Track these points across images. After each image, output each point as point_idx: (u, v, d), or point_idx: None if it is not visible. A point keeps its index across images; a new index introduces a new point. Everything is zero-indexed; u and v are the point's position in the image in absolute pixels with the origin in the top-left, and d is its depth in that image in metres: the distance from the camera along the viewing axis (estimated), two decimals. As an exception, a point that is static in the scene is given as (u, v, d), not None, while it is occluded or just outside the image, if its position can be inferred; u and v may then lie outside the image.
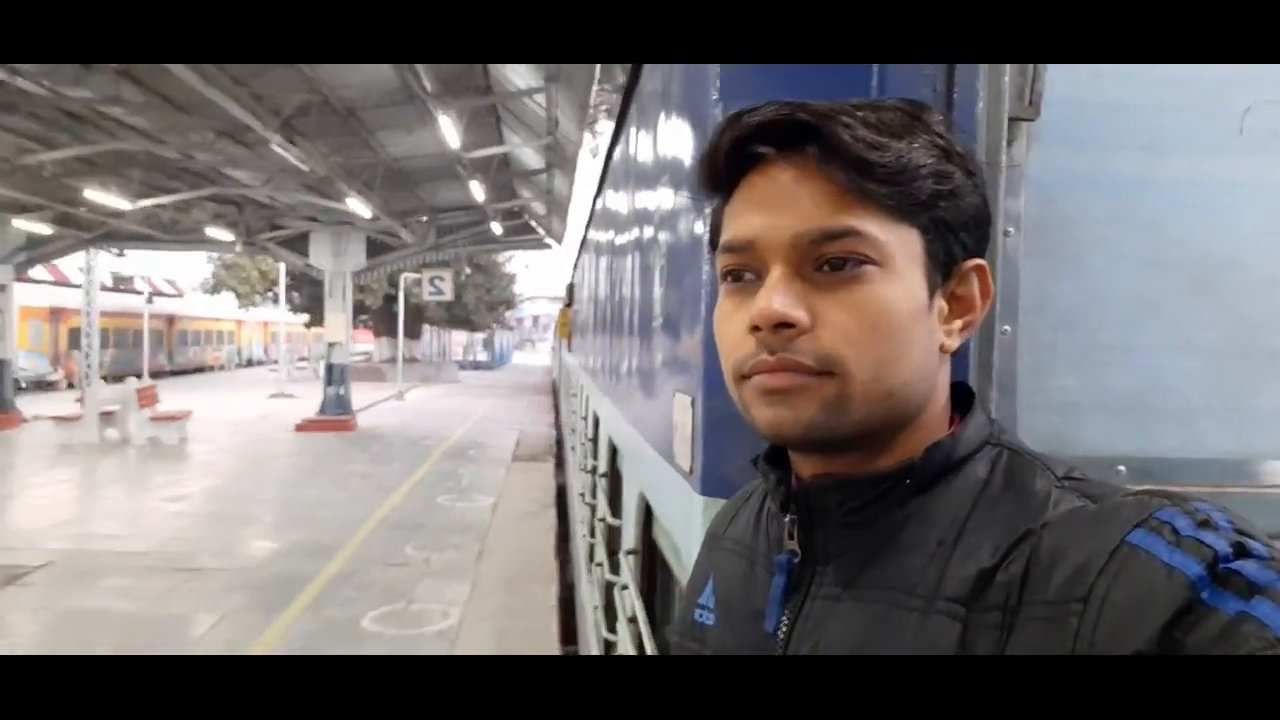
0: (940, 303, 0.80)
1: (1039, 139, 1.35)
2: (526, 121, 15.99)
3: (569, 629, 7.57)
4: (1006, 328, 1.31)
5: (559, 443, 15.34)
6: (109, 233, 21.80)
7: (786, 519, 0.84)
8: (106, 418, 18.38)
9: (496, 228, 23.16)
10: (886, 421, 0.78)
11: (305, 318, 42.14)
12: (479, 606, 8.39)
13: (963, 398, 0.86)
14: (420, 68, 11.87)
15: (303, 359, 49.59)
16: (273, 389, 31.91)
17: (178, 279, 41.30)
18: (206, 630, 7.71)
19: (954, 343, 0.81)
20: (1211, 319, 1.39)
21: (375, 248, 22.23)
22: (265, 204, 19.38)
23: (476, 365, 53.02)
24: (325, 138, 14.43)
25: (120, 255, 33.77)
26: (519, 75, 13.67)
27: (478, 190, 18.24)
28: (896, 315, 0.75)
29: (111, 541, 10.25)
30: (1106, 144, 1.37)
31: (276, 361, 39.37)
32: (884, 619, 0.75)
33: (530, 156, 18.50)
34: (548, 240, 25.71)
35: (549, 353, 48.92)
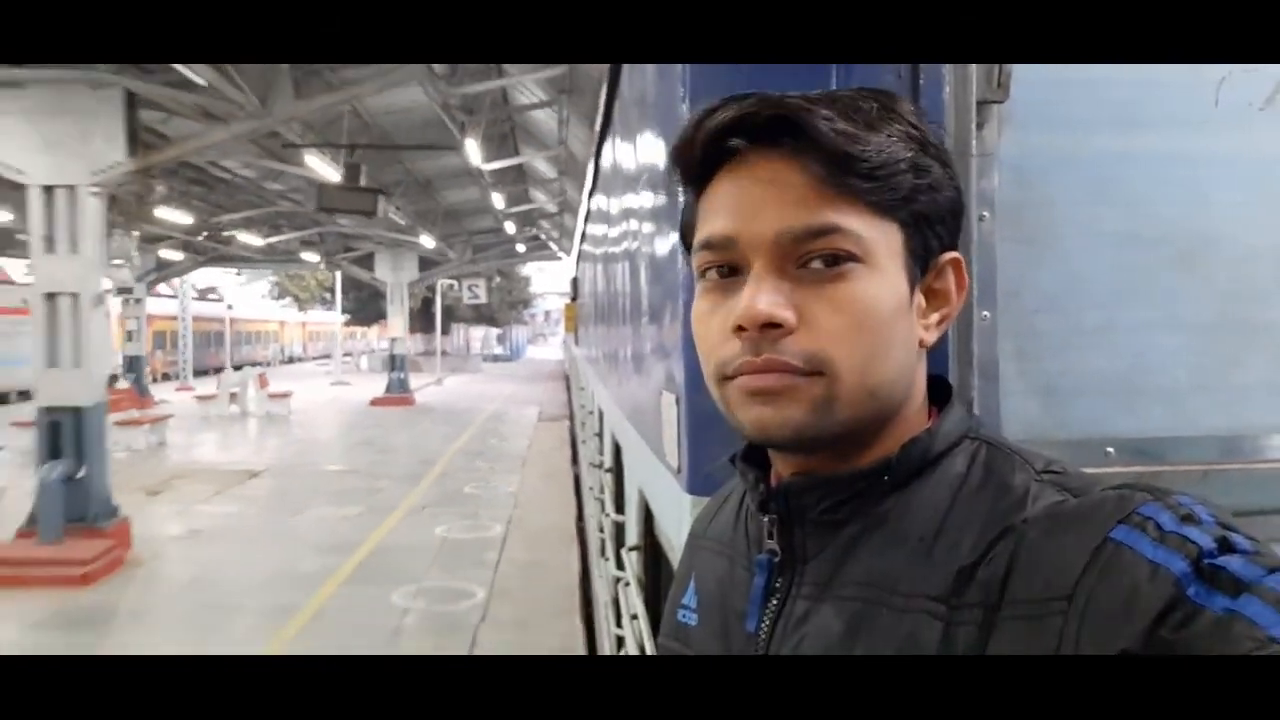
0: (919, 298, 0.63)
1: (1012, 121, 1.04)
2: (549, 189, 19.73)
3: (579, 502, 9.50)
4: (986, 313, 1.02)
5: (570, 411, 16.66)
6: (220, 256, 22.52)
7: (765, 518, 0.66)
8: (233, 397, 19.27)
9: (520, 246, 26.52)
10: (870, 420, 0.62)
11: (345, 318, 41.31)
12: (527, 484, 11.29)
13: (941, 392, 0.69)
14: (486, 173, 14.60)
15: (347, 354, 47.57)
16: (329, 378, 31.57)
17: (218, 286, 40.09)
18: (377, 492, 10.48)
19: (931, 337, 0.64)
20: (1195, 295, 1.06)
21: (424, 263, 23.31)
22: (345, 233, 21.03)
23: (496, 358, 50.74)
24: (408, 197, 17.40)
25: (239, 275, 34.56)
26: (544, 167, 17.06)
27: (510, 227, 21.79)
28: (880, 312, 0.59)
29: (286, 461, 13.04)
30: (1081, 123, 1.05)
31: (326, 357, 39.76)
32: (865, 618, 0.59)
33: (550, 205, 21.34)
34: (559, 254, 28.04)
35: (560, 346, 47.62)
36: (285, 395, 19.68)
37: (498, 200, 16.88)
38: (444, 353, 36.94)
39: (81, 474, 7.10)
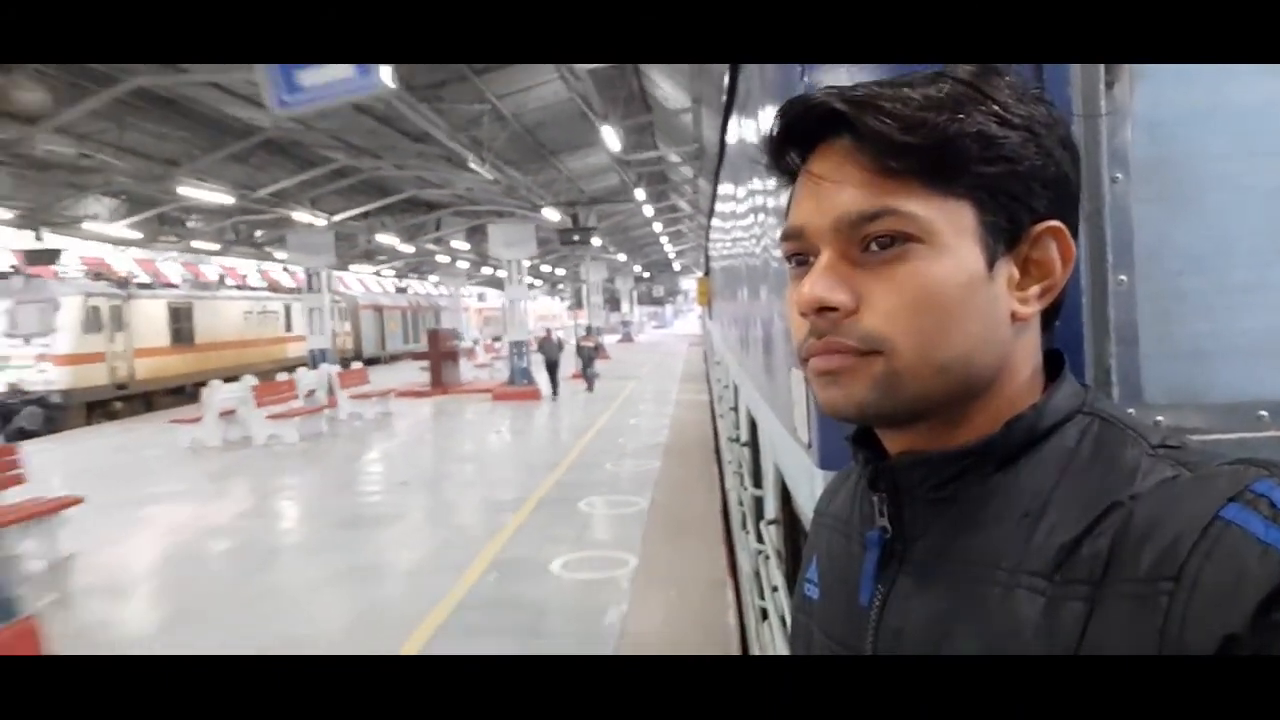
0: (1009, 270, 0.55)
1: (1145, 76, 0.83)
2: (689, 186, 20.00)
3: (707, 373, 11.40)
4: (1123, 277, 0.84)
5: (703, 342, 20.60)
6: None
7: (875, 496, 0.60)
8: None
9: (676, 265, 37.89)
10: (948, 395, 0.54)
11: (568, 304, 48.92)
12: (689, 360, 20.72)
13: (1058, 366, 0.57)
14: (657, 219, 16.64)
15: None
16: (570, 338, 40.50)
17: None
18: (648, 355, 23.30)
19: (1029, 309, 0.55)
20: None
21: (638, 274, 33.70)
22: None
23: (656, 327, 65.61)
24: (641, 255, 24.40)
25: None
26: (686, 168, 17.20)
27: (677, 265, 33.91)
28: (942, 290, 0.53)
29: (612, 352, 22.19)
30: (1220, 72, 0.86)
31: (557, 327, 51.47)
32: (968, 595, 0.52)
33: (686, 206, 23.80)
34: (697, 272, 35.57)
35: (697, 320, 53.20)
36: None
37: (641, 194, 18.87)
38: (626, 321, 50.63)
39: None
